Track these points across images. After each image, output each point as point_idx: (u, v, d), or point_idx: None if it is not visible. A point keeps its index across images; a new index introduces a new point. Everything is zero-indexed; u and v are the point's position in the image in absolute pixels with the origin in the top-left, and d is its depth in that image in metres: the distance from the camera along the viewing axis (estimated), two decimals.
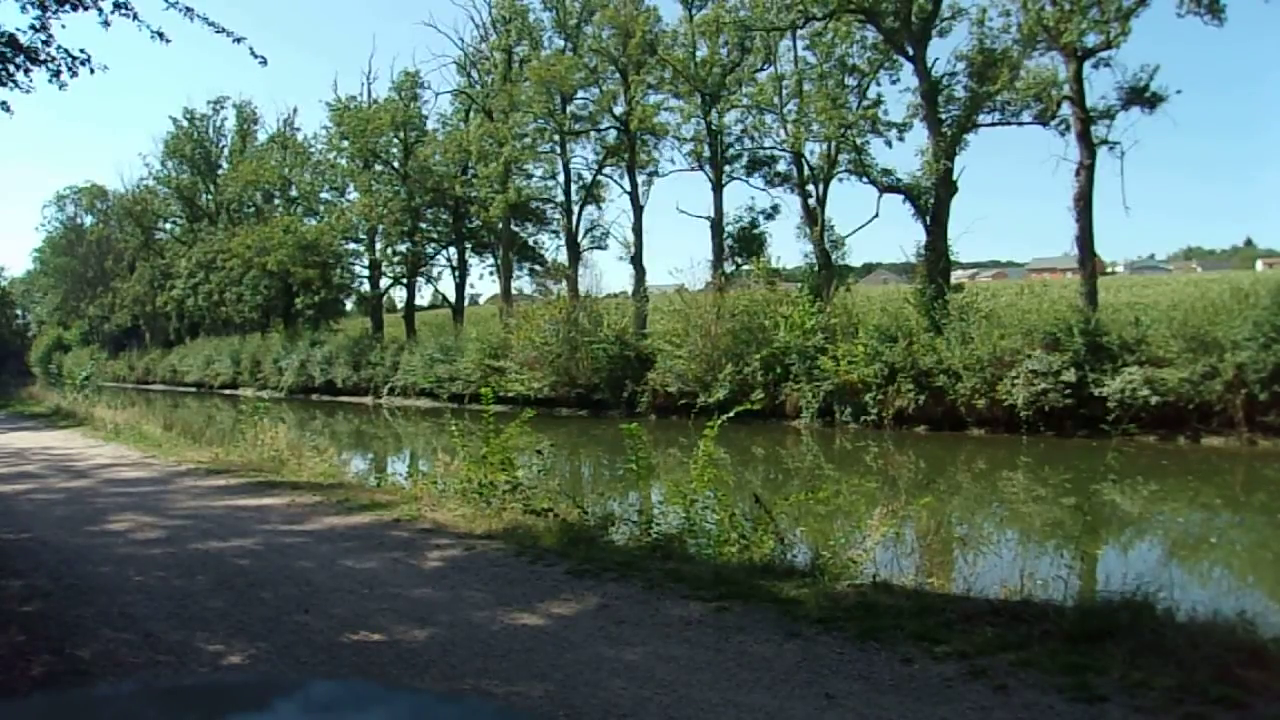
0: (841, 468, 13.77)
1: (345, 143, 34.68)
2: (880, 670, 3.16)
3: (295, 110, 60.45)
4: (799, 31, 23.68)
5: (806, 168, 24.50)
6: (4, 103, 5.89)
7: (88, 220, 58.17)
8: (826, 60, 23.92)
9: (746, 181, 27.34)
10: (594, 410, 22.85)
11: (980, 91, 20.62)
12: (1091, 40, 18.30)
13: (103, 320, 55.75)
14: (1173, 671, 2.90)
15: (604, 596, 4.12)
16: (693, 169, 27.36)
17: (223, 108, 45.49)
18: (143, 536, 5.60)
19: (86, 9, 5.45)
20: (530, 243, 34.11)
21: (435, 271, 36.44)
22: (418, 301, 37.52)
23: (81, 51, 5.63)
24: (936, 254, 20.48)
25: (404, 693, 0.41)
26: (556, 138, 28.84)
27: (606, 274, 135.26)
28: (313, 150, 38.97)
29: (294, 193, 40.37)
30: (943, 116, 20.82)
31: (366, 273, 37.11)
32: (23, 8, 5.38)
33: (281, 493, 7.28)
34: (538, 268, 34.65)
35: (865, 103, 24.00)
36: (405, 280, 36.05)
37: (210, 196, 45.78)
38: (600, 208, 30.86)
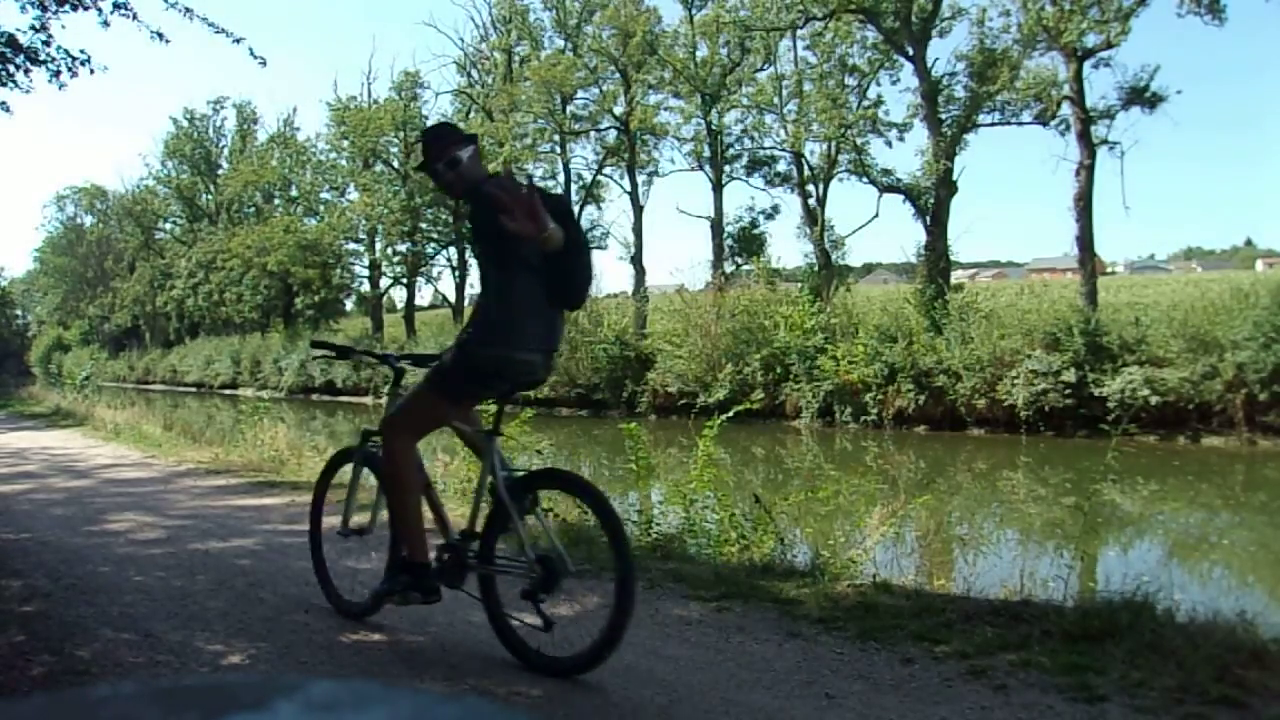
0: (841, 468, 13.77)
1: (346, 143, 34.69)
2: (880, 670, 3.16)
3: (295, 110, 60.47)
4: (799, 31, 23.70)
5: (806, 168, 24.52)
6: (3, 103, 5.88)
7: (88, 220, 58.17)
8: (826, 60, 23.96)
9: (746, 181, 27.40)
10: (594, 410, 22.85)
11: (980, 91, 20.64)
12: (1091, 40, 18.32)
13: (103, 320, 55.74)
14: (1173, 671, 2.90)
15: (604, 596, 4.12)
16: (693, 169, 27.43)
17: (223, 108, 45.54)
18: (143, 536, 5.60)
19: (86, 9, 5.44)
20: None
21: (435, 271, 36.50)
22: (418, 301, 37.54)
23: (81, 52, 5.63)
24: (936, 254, 20.48)
25: (404, 693, 0.41)
26: (556, 138, 28.85)
27: (606, 274, 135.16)
28: (313, 150, 39.01)
29: (294, 193, 40.38)
30: (943, 116, 20.83)
31: (366, 273, 37.12)
32: (22, 8, 5.38)
33: (281, 493, 7.28)
34: None
35: (865, 103, 24.03)
36: (405, 280, 36.12)
37: (210, 196, 45.78)
38: (600, 208, 30.94)
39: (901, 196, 21.80)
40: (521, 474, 3.31)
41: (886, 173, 22.79)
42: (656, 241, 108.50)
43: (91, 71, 5.69)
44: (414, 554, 3.29)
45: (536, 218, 2.79)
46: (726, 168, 26.70)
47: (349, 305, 42.94)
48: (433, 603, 3.34)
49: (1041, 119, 20.24)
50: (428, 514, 3.44)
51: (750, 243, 27.19)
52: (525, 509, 3.21)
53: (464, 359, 3.19)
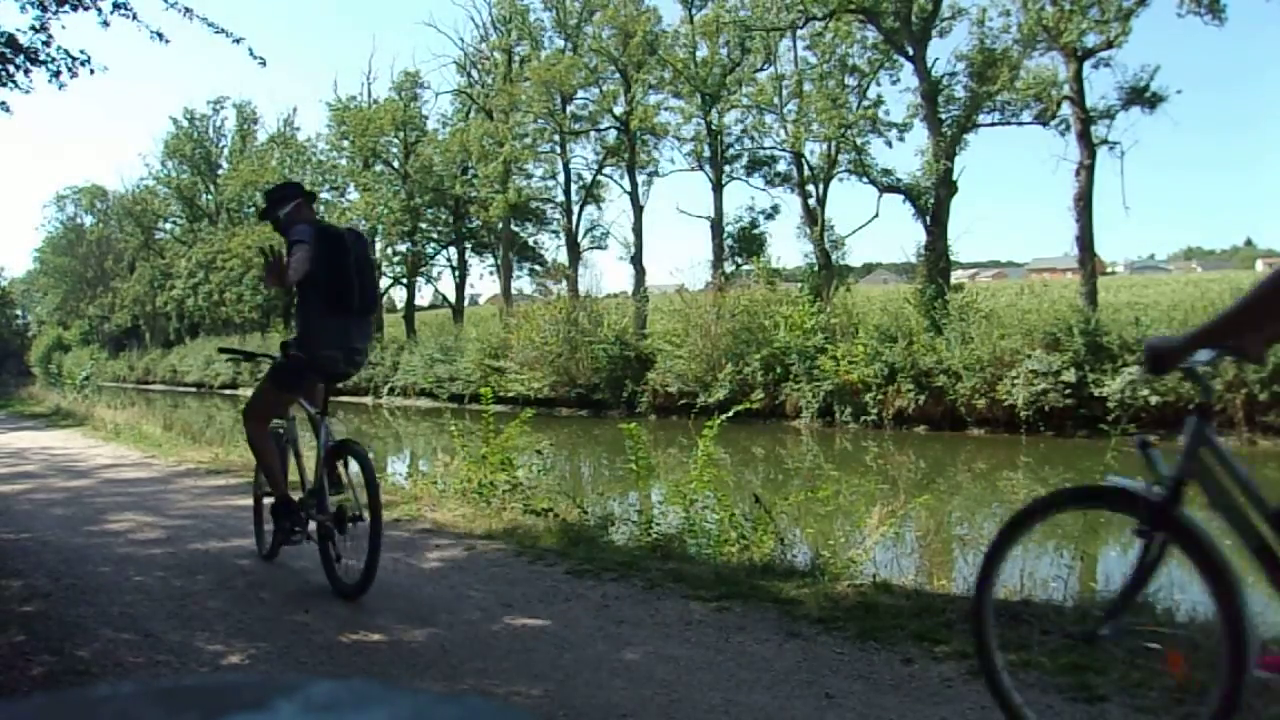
0: (841, 468, 13.77)
1: (346, 143, 34.67)
2: (880, 670, 3.16)
3: (295, 110, 60.48)
4: (799, 31, 23.69)
5: (806, 168, 24.50)
6: (3, 103, 5.88)
7: (88, 220, 58.17)
8: (827, 60, 23.93)
9: (746, 181, 27.38)
10: (594, 410, 22.84)
11: (980, 91, 20.63)
12: (1091, 40, 18.32)
13: (103, 320, 55.74)
14: (1173, 671, 2.90)
15: (604, 596, 4.12)
16: (693, 169, 27.40)
17: (223, 108, 45.54)
18: (143, 536, 5.60)
19: (86, 9, 5.44)
20: (530, 243, 34.11)
21: (435, 271, 36.46)
22: (418, 301, 37.43)
23: (81, 52, 5.62)
24: (936, 254, 20.49)
25: (404, 693, 0.41)
26: (556, 138, 28.84)
27: (606, 274, 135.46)
28: (313, 150, 39.01)
29: None
30: (943, 116, 20.83)
31: None
32: (22, 8, 5.38)
33: None
34: (538, 268, 34.69)
35: (865, 103, 24.01)
36: (405, 280, 36.07)
37: (210, 196, 45.78)
38: (600, 208, 30.91)
39: (901, 196, 21.79)
40: (333, 444, 4.26)
41: (886, 173, 22.79)
42: (656, 241, 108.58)
43: (91, 71, 5.69)
44: (278, 493, 4.41)
45: (280, 276, 4.01)
46: (726, 168, 26.69)
47: None
48: (303, 539, 4.37)
49: (1041, 119, 20.23)
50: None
51: (750, 243, 27.18)
52: (334, 469, 4.25)
53: (284, 358, 4.27)
